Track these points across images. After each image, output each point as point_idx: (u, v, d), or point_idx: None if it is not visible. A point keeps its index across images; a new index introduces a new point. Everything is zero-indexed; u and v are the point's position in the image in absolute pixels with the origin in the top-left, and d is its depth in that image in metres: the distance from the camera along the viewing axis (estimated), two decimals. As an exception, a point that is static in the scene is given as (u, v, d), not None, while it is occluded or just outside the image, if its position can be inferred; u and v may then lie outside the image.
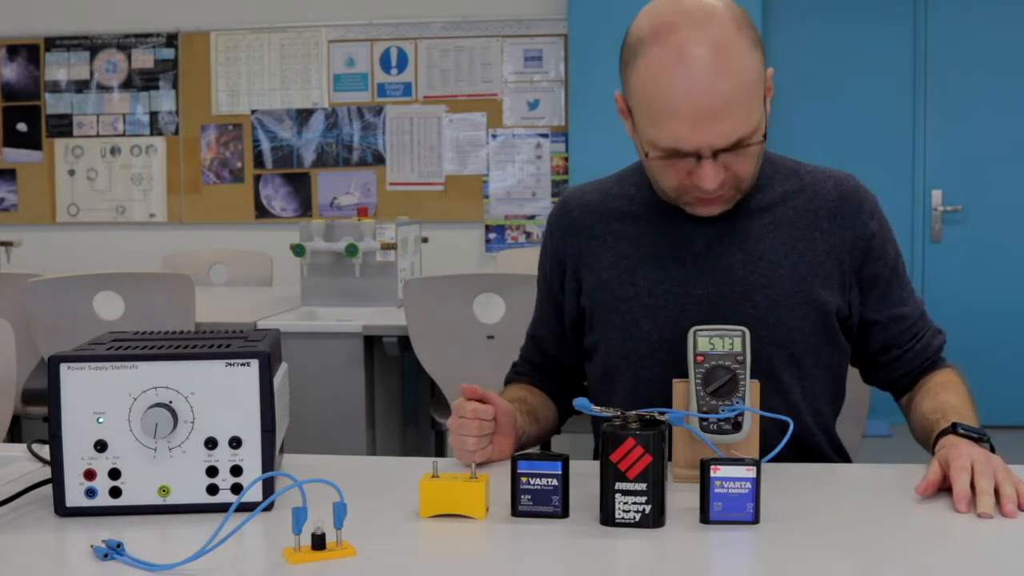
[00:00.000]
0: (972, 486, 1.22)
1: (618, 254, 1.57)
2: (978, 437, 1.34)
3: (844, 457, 1.65)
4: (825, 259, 1.52)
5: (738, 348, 1.35)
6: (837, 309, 1.53)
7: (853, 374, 1.69)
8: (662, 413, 1.24)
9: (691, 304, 1.51)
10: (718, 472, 1.18)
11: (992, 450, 1.33)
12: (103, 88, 5.51)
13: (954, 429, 1.36)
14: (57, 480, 1.21)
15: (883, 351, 1.60)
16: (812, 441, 1.57)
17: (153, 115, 5.49)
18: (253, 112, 5.44)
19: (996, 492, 1.21)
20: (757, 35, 1.40)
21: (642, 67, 1.38)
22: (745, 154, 1.41)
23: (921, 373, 1.60)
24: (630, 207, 1.59)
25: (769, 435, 1.38)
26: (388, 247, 3.23)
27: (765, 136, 1.42)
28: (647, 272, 1.54)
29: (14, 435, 2.66)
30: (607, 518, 1.18)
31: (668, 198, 1.50)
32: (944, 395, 1.51)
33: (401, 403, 3.33)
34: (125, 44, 5.49)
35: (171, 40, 5.46)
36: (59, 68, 5.52)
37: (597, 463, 1.19)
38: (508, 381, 1.73)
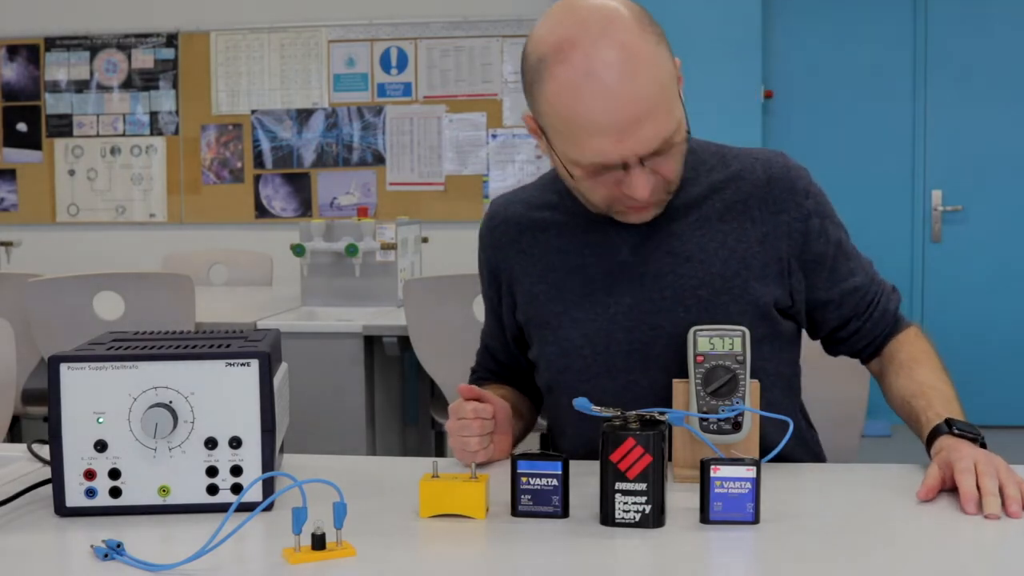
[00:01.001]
0: (977, 487, 1.22)
1: (545, 267, 1.53)
2: (973, 437, 1.33)
3: (816, 456, 1.63)
4: (759, 250, 1.47)
5: (738, 348, 1.35)
6: (776, 300, 1.47)
7: (842, 369, 1.67)
8: (662, 413, 1.24)
9: (620, 314, 1.47)
10: (718, 472, 1.18)
11: (984, 446, 1.33)
12: (103, 88, 5.51)
13: (949, 428, 1.35)
14: (57, 480, 1.21)
15: (841, 326, 1.56)
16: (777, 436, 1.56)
17: (153, 115, 5.49)
18: (253, 112, 5.44)
19: (1000, 493, 1.21)
20: (660, 29, 1.34)
21: (550, 90, 1.31)
22: (671, 154, 1.36)
23: (884, 339, 1.57)
24: (554, 216, 1.54)
25: (767, 435, 1.38)
26: (388, 247, 3.23)
27: (689, 131, 1.38)
28: (574, 284, 1.50)
29: (14, 435, 2.67)
30: (607, 518, 1.18)
31: (599, 211, 1.45)
32: (920, 372, 1.48)
33: (401, 403, 3.33)
34: (125, 44, 5.49)
35: (171, 40, 5.46)
36: (59, 68, 5.52)
37: (597, 463, 1.19)
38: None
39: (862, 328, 1.55)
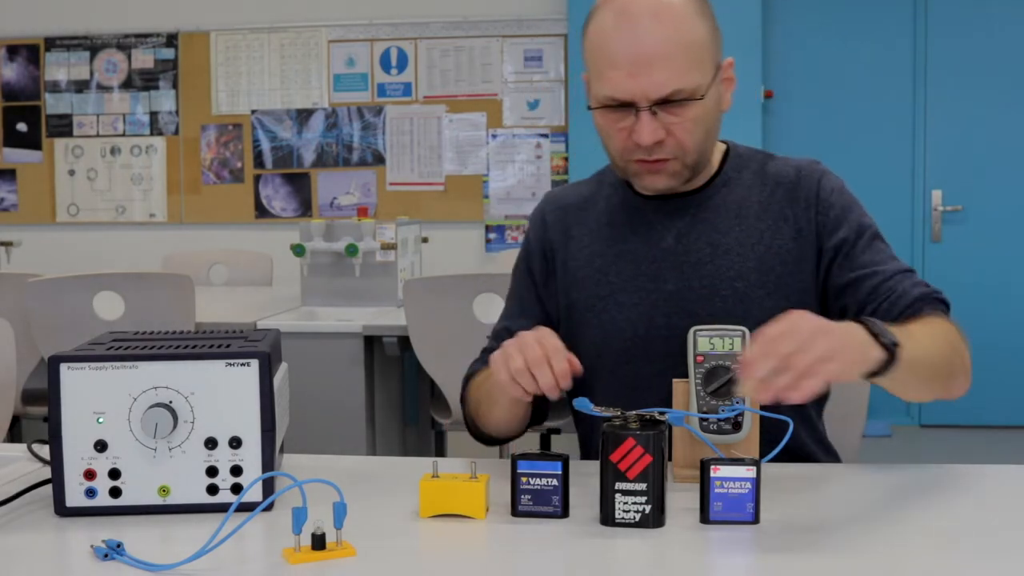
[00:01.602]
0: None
1: (592, 253, 1.59)
2: (881, 337, 1.22)
3: (830, 452, 1.63)
4: (793, 246, 1.52)
5: (738, 348, 1.35)
6: (810, 295, 1.51)
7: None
8: (662, 413, 1.24)
9: (662, 299, 1.53)
10: (718, 472, 1.18)
11: (890, 360, 1.21)
12: (103, 88, 5.51)
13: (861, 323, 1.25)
14: (57, 480, 1.21)
15: (859, 311, 1.52)
16: (793, 436, 1.55)
17: (153, 115, 5.49)
18: (253, 112, 5.44)
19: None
20: (710, 13, 1.46)
21: (591, 29, 1.46)
22: (684, 115, 1.43)
23: (902, 321, 1.44)
24: (603, 204, 1.61)
25: (766, 434, 1.38)
26: (388, 247, 3.23)
27: (719, 112, 1.48)
28: (620, 269, 1.56)
29: (14, 435, 2.67)
30: (607, 518, 1.18)
31: (618, 168, 1.53)
32: (911, 325, 1.40)
33: (401, 403, 3.33)
34: (125, 44, 5.49)
35: (171, 40, 5.46)
36: (59, 68, 5.53)
37: (597, 463, 1.19)
38: (476, 372, 1.64)
39: (878, 310, 1.50)
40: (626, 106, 1.43)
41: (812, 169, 1.57)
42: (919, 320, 1.42)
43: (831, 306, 1.54)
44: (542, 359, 1.29)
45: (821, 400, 1.62)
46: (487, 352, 1.68)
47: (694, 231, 1.54)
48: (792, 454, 1.53)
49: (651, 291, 1.53)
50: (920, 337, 1.33)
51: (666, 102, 1.41)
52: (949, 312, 1.50)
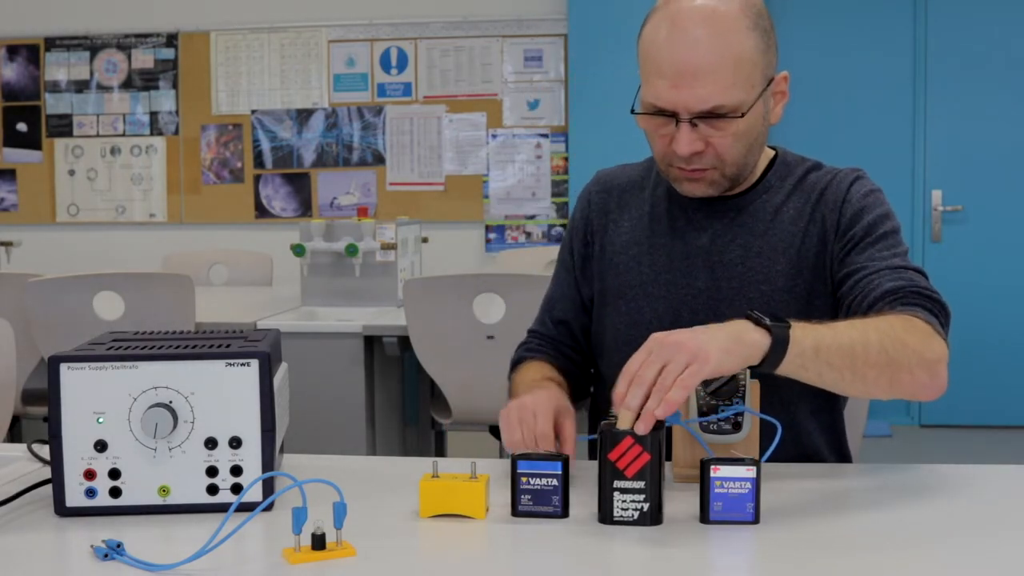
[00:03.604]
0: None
1: (630, 240, 1.60)
2: (762, 322, 1.23)
3: (843, 456, 1.64)
4: (821, 249, 1.52)
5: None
6: (830, 298, 1.52)
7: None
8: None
9: (691, 296, 1.54)
10: (718, 472, 1.18)
11: (777, 341, 1.22)
12: (103, 88, 5.51)
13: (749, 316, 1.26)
14: (57, 480, 1.21)
15: (842, 307, 1.50)
16: (808, 440, 1.56)
17: (153, 115, 5.49)
18: (253, 112, 5.44)
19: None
20: (768, 28, 1.45)
21: (644, 32, 1.46)
22: (724, 129, 1.43)
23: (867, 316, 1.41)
24: (651, 195, 1.62)
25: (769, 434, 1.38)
26: (388, 247, 3.23)
27: (764, 126, 1.48)
28: (654, 260, 1.57)
29: (14, 435, 2.66)
30: (605, 516, 1.18)
31: (661, 170, 1.54)
32: (847, 319, 1.38)
33: (401, 403, 3.33)
34: (125, 44, 5.49)
35: (171, 40, 5.46)
36: (59, 68, 5.53)
37: (596, 463, 1.19)
38: (521, 360, 1.68)
39: (851, 306, 1.48)
40: (668, 114, 1.43)
41: (847, 175, 1.56)
42: (873, 315, 1.38)
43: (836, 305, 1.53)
44: (535, 440, 1.34)
45: (837, 400, 1.60)
46: (532, 334, 1.72)
47: (729, 233, 1.55)
48: (805, 456, 1.53)
49: (681, 287, 1.55)
50: (841, 327, 1.30)
51: (707, 115, 1.41)
52: (941, 311, 1.42)
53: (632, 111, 1.48)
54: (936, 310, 1.41)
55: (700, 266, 1.54)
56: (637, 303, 1.57)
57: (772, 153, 1.60)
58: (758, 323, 1.24)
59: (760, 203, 1.56)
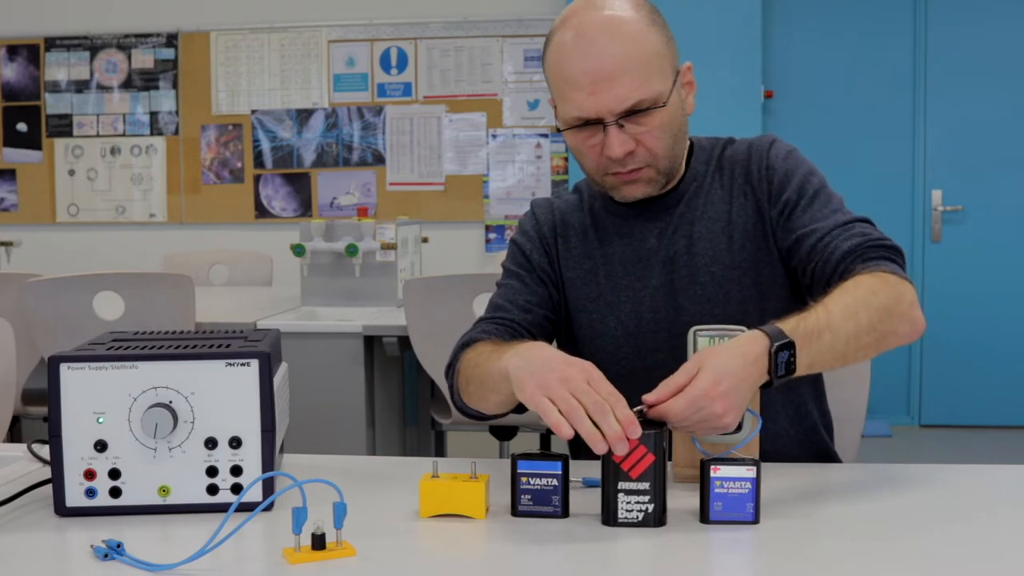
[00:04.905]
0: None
1: (581, 254, 1.63)
2: (780, 339, 1.26)
3: (823, 454, 1.62)
4: (756, 219, 1.56)
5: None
6: (781, 267, 1.54)
7: (842, 369, 1.66)
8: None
9: (648, 296, 1.57)
10: (718, 472, 1.18)
11: (791, 361, 1.27)
12: (103, 88, 5.51)
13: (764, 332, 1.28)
14: (57, 480, 1.21)
15: (804, 273, 1.51)
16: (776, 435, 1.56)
17: (153, 115, 5.50)
18: (253, 112, 5.44)
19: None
20: (662, 23, 1.49)
21: (550, 53, 1.49)
22: (649, 123, 1.46)
23: (838, 280, 1.43)
24: (591, 213, 1.64)
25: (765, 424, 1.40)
26: (388, 247, 3.23)
27: (683, 116, 1.51)
28: (609, 271, 1.60)
29: (14, 435, 2.67)
30: (609, 518, 1.18)
31: (596, 184, 1.56)
32: (830, 295, 1.37)
33: (401, 403, 3.33)
34: (125, 44, 5.49)
35: (171, 40, 5.46)
36: (59, 68, 5.53)
37: (597, 463, 1.19)
38: (473, 341, 1.55)
39: (815, 273, 1.49)
40: (593, 123, 1.46)
41: (762, 142, 1.61)
42: (842, 284, 1.38)
43: (789, 271, 1.55)
44: (602, 406, 1.16)
45: (802, 395, 1.60)
46: (482, 322, 1.61)
47: (671, 228, 1.58)
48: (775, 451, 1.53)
49: (638, 289, 1.58)
50: (837, 322, 1.32)
51: (631, 113, 1.45)
52: (898, 254, 1.46)
53: (558, 130, 1.51)
54: (893, 255, 1.46)
55: (652, 266, 1.57)
56: (600, 313, 1.59)
57: (689, 144, 1.63)
58: (771, 344, 1.26)
59: (692, 192, 1.59)
